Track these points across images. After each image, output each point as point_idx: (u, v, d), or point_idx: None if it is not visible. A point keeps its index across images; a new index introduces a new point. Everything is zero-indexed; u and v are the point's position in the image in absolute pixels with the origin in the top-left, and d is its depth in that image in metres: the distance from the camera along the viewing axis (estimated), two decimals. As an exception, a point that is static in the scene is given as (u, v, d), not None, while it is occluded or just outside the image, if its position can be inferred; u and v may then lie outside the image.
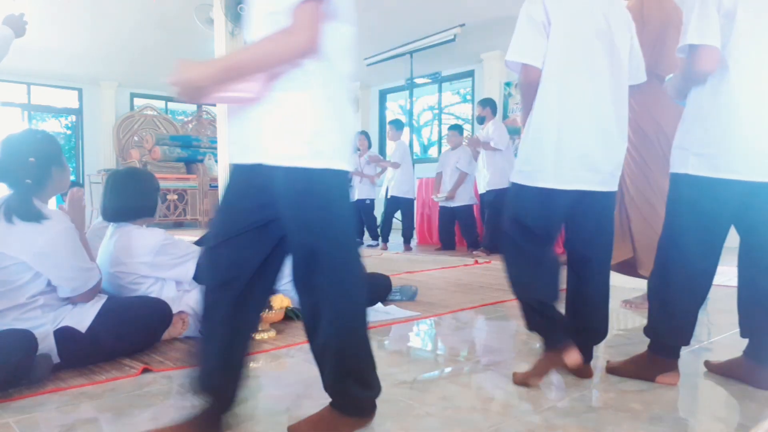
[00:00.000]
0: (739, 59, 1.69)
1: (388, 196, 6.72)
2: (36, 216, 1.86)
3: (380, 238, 6.81)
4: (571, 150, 1.79)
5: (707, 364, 1.97)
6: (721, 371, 1.91)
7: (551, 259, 1.88)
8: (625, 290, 3.29)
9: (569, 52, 1.79)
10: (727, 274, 4.10)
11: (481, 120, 6.02)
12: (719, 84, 1.72)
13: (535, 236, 1.83)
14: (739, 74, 1.70)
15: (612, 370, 1.93)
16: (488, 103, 6.08)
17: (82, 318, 1.97)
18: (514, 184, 1.88)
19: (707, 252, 1.78)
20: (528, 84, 1.80)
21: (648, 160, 2.80)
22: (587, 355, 1.89)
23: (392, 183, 6.63)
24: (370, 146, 7.15)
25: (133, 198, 2.43)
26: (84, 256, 1.99)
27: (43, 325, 1.88)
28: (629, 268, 2.94)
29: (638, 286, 3.11)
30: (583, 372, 1.87)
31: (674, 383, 1.82)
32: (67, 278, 1.92)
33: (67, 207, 2.19)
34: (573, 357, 1.77)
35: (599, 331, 1.91)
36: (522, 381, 1.82)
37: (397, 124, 6.92)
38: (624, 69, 1.86)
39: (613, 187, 1.88)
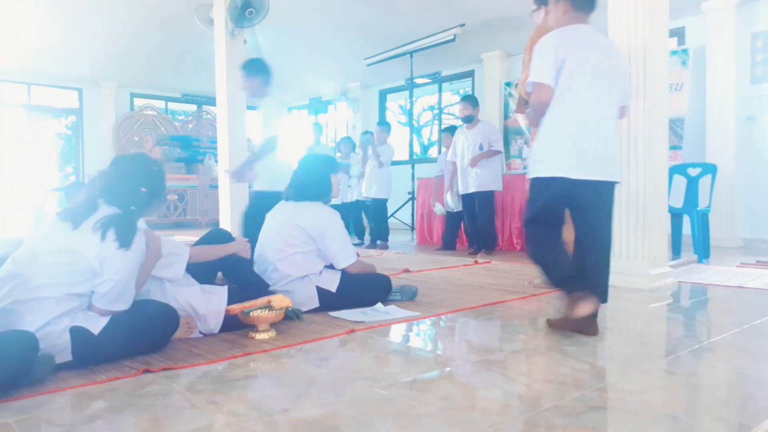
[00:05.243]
0: (564, 94, 2.42)
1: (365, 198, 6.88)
2: (128, 243, 2.01)
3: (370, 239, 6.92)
4: None
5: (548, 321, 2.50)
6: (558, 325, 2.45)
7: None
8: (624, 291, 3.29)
9: None
10: (726, 275, 4.11)
11: (470, 119, 5.61)
12: (553, 112, 2.45)
13: None
14: (565, 106, 2.42)
15: (551, 323, 2.51)
16: (477, 102, 5.76)
17: (96, 321, 2.00)
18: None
19: (553, 225, 2.50)
20: None
21: None
22: None
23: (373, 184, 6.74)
24: (353, 150, 7.37)
25: None
26: (132, 282, 2.09)
27: (62, 322, 1.93)
28: None
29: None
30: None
31: (591, 309, 2.32)
32: (109, 286, 1.99)
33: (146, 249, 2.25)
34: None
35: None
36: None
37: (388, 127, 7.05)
38: None
39: None
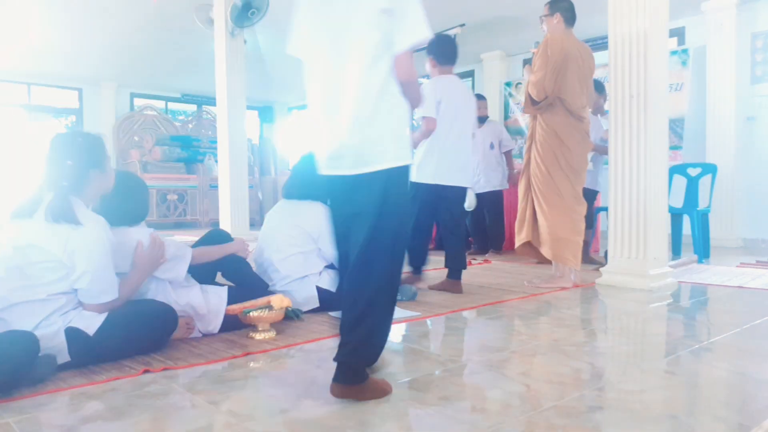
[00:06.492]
0: (440, 123, 3.34)
1: None
2: (70, 218, 1.93)
3: None
4: None
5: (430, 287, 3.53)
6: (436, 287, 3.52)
7: None
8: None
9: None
10: (727, 275, 4.11)
11: (482, 120, 5.59)
12: (433, 135, 3.37)
13: None
14: (440, 131, 3.34)
15: (432, 287, 3.54)
16: (484, 98, 5.75)
17: (91, 321, 1.99)
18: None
19: (428, 217, 3.53)
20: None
21: (550, 170, 3.53)
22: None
23: None
24: None
25: (127, 203, 2.37)
26: (110, 269, 2.04)
27: (55, 323, 1.92)
28: (529, 248, 3.75)
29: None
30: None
31: (461, 290, 3.43)
32: (87, 279, 1.95)
33: (146, 250, 2.23)
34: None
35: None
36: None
37: None
38: None
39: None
